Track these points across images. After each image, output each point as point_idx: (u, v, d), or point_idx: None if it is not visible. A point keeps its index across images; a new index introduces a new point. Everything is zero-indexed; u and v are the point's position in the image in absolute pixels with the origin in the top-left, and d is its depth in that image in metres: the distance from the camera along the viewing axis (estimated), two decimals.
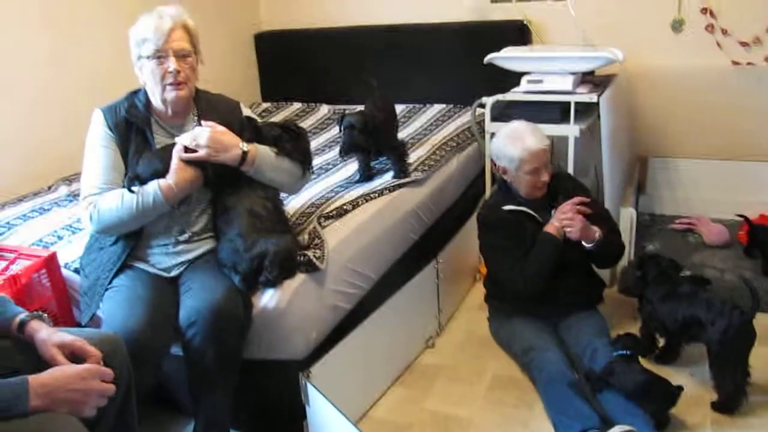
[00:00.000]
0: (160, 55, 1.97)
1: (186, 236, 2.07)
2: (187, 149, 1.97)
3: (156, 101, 2.06)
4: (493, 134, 2.95)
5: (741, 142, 3.39)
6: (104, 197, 1.98)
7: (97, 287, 2.00)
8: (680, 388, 2.04)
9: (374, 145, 2.64)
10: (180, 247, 2.06)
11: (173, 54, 1.98)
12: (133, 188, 1.96)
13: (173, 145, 2.01)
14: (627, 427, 1.80)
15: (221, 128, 2.02)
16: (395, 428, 2.17)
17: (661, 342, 2.40)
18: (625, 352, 2.12)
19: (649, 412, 2.02)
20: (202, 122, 2.03)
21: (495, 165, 2.56)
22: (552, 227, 2.38)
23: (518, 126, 2.47)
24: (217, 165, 2.00)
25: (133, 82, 2.09)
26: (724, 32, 3.29)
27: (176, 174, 1.97)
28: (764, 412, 2.12)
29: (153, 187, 1.96)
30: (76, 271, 2.12)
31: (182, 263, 2.05)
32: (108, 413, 1.65)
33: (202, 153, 1.97)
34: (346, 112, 2.70)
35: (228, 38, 3.94)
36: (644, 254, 2.60)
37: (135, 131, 2.06)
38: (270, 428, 2.16)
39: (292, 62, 4.11)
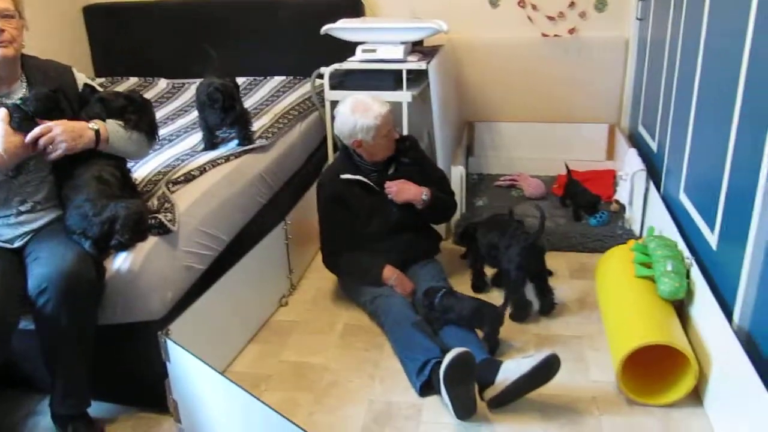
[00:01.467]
0: None
1: (28, 206, 2.03)
2: (45, 151, 1.93)
3: None
4: (333, 102, 3.12)
5: (552, 106, 3.80)
6: None
7: None
8: (504, 307, 2.34)
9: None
10: (23, 218, 2.02)
11: None
12: None
13: None
14: (463, 349, 2.03)
15: (62, 122, 1.98)
16: (255, 379, 2.27)
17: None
18: (443, 290, 2.37)
19: (484, 335, 2.30)
20: (38, 121, 1.96)
21: (339, 142, 2.68)
22: (389, 271, 2.55)
23: (359, 98, 2.58)
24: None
25: None
26: (534, 7, 3.66)
27: (4, 141, 1.90)
28: (577, 330, 2.46)
29: None
30: None
31: (26, 233, 2.02)
32: None
33: (60, 151, 1.94)
34: (213, 85, 2.71)
35: (53, 10, 3.76)
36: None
37: None
38: (131, 393, 2.18)
39: (125, 36, 4.00)
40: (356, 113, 2.52)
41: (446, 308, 2.33)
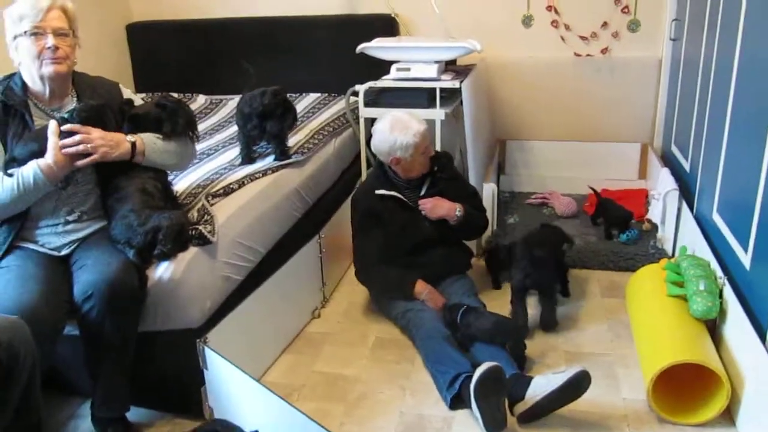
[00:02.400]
0: (37, 32, 2.00)
1: (75, 216, 2.11)
2: (79, 155, 2.01)
3: (33, 81, 2.07)
4: (367, 119, 3.18)
5: (584, 125, 3.81)
6: None
7: None
8: (524, 322, 2.38)
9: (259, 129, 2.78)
10: (70, 227, 2.10)
11: (51, 31, 2.01)
12: (10, 171, 1.97)
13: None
14: (493, 363, 2.05)
15: (101, 130, 2.06)
16: (289, 389, 2.32)
17: None
18: (464, 307, 2.39)
19: (509, 349, 2.31)
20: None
21: (374, 158, 2.73)
22: (420, 285, 2.57)
23: (397, 116, 2.62)
24: None
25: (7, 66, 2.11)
26: (567, 27, 3.69)
27: (54, 153, 1.98)
28: (607, 348, 2.46)
29: (32, 167, 1.97)
30: None
31: (72, 242, 2.09)
32: (12, 395, 1.68)
33: (96, 156, 2.02)
34: (269, 92, 2.76)
35: (98, 28, 3.90)
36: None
37: (13, 115, 2.06)
38: (168, 399, 2.22)
39: (166, 53, 4.12)
40: (395, 131, 2.56)
41: (467, 324, 2.35)
